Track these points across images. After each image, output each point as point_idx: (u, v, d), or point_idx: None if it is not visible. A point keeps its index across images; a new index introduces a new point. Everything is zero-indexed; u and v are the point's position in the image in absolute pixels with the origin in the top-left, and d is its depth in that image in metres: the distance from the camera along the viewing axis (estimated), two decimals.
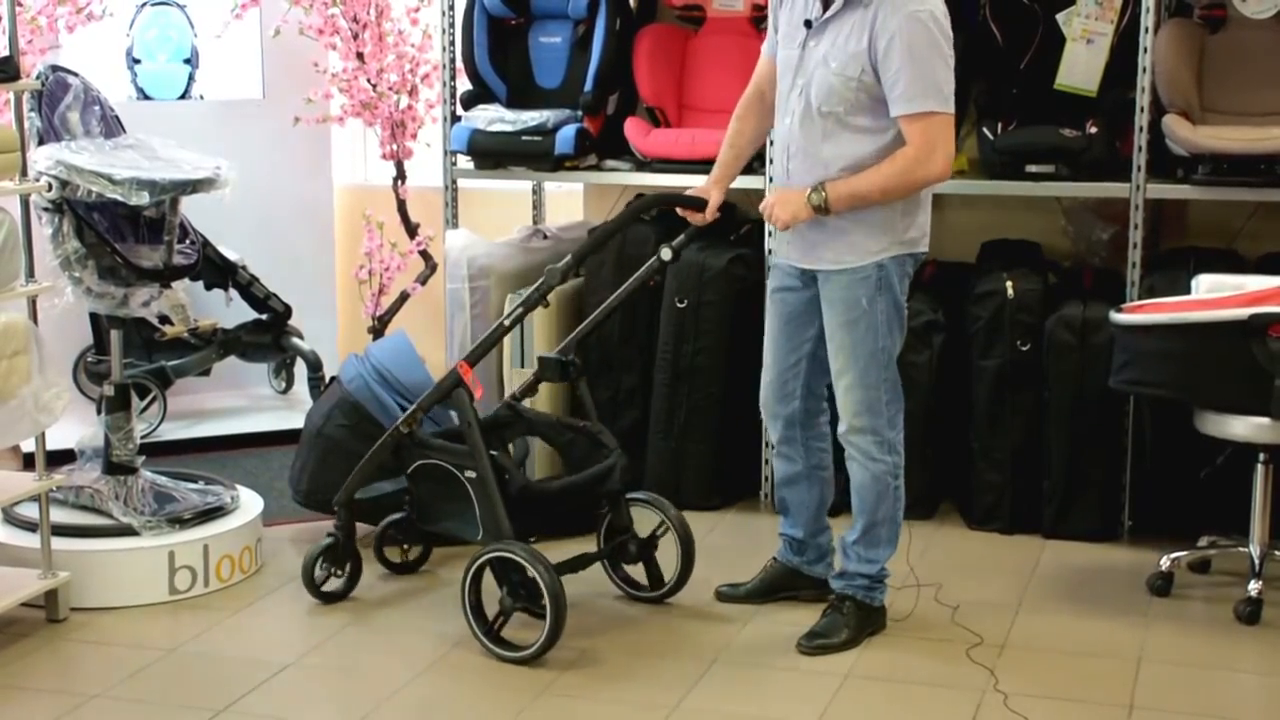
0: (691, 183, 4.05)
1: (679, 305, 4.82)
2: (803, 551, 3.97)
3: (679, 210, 3.99)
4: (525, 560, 3.62)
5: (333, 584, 4.09)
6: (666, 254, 3.98)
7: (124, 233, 4.17)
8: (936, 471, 4.77)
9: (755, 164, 4.40)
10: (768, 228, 4.33)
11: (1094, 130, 4.55)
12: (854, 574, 3.78)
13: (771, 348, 3.86)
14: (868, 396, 3.66)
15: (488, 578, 3.72)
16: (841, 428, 3.71)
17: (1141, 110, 4.50)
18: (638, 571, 4.10)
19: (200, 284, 5.28)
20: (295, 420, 5.05)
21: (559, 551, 3.95)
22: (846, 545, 3.79)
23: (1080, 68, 4.71)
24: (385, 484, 4.16)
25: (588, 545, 4.11)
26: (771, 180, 3.75)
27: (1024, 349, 4.58)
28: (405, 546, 4.27)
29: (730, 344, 4.82)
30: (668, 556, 4.05)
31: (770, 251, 4.04)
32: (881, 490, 3.71)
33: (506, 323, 3.85)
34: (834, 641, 3.71)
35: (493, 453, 3.75)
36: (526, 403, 4.24)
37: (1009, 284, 4.58)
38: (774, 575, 4.02)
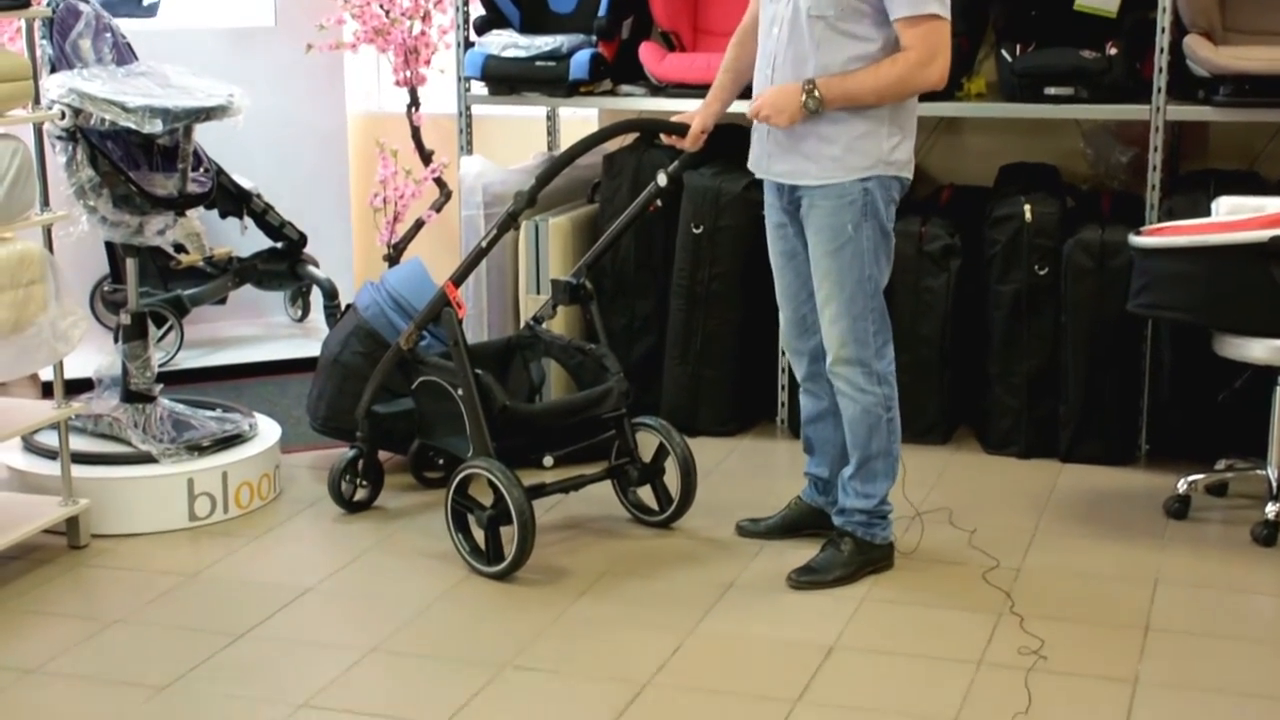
0: None
1: (694, 231, 4.80)
2: (828, 491, 3.93)
3: (663, 136, 3.96)
4: (497, 478, 3.68)
5: (358, 495, 4.19)
6: (663, 179, 3.97)
7: (138, 161, 4.15)
8: (953, 396, 4.76)
9: None
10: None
11: (1114, 51, 4.49)
12: (852, 510, 3.75)
13: (781, 284, 3.83)
14: (854, 327, 3.62)
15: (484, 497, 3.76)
16: (828, 360, 3.67)
17: (1162, 31, 4.45)
18: (649, 497, 4.11)
19: (215, 212, 5.26)
20: (311, 348, 5.06)
21: (567, 474, 3.97)
22: (844, 481, 3.77)
23: None
24: (407, 400, 4.20)
25: (598, 468, 4.12)
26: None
27: (1041, 273, 4.55)
28: (440, 461, 4.34)
29: (746, 269, 4.80)
30: (676, 480, 4.06)
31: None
32: (873, 423, 3.68)
33: (484, 244, 3.90)
34: (825, 578, 3.69)
35: (479, 371, 3.77)
36: (545, 325, 4.25)
37: (1027, 208, 4.55)
38: (797, 514, 4.00)
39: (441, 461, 4.35)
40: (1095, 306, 4.49)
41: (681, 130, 3.89)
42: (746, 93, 3.96)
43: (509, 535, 3.72)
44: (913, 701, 3.16)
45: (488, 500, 3.75)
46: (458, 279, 3.88)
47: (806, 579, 3.71)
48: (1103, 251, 4.46)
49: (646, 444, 4.09)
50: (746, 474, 4.57)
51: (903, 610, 3.60)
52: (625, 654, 3.37)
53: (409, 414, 4.17)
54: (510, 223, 3.85)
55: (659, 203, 4.03)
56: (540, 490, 3.83)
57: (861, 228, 3.57)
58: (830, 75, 3.51)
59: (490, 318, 5.10)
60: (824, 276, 3.62)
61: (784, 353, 4.79)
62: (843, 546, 3.75)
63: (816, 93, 3.50)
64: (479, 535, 3.78)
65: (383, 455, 4.30)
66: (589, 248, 4.21)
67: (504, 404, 3.78)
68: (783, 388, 4.91)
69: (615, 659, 3.34)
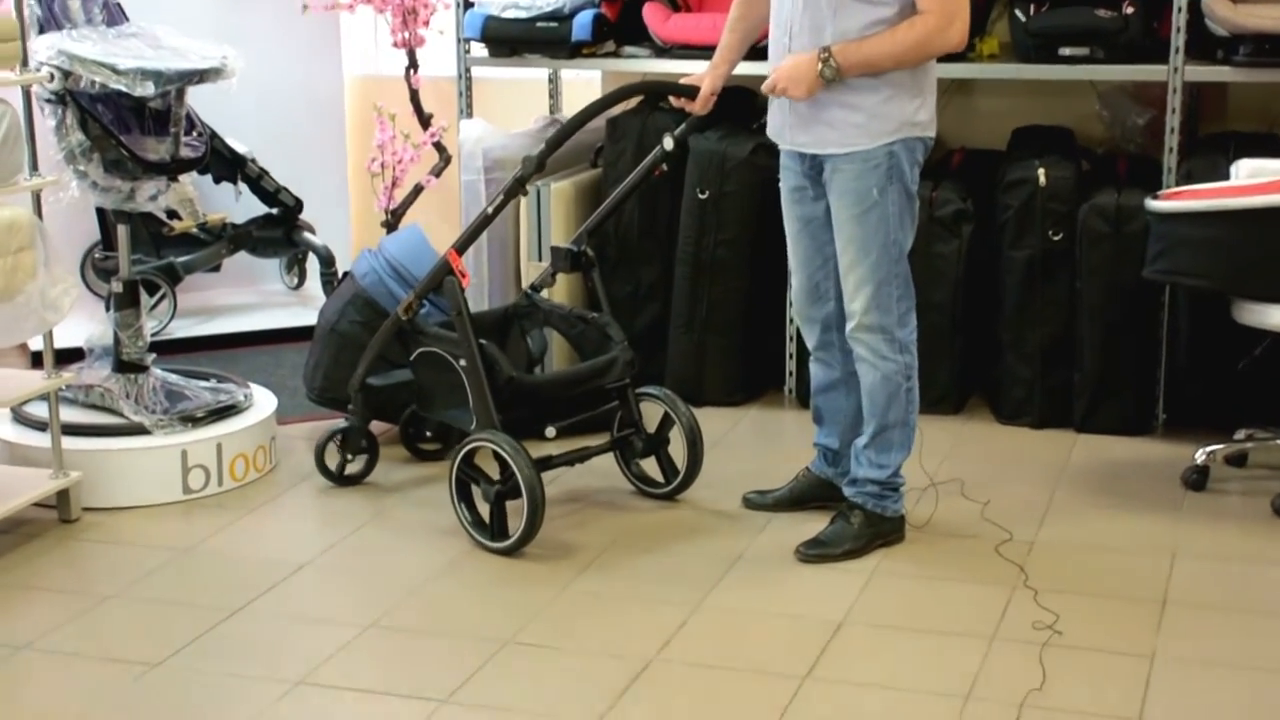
0: None
1: (700, 196, 4.76)
2: (838, 463, 3.91)
3: (672, 100, 3.93)
4: (505, 451, 3.65)
5: (350, 469, 4.17)
6: (669, 143, 3.94)
7: (129, 124, 4.12)
8: (965, 365, 4.74)
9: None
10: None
11: (1130, 10, 4.45)
12: (864, 480, 3.73)
13: (795, 250, 3.80)
14: (878, 293, 3.60)
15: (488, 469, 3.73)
16: (849, 325, 3.65)
17: None
18: (653, 469, 4.09)
19: (208, 177, 5.25)
20: (308, 317, 5.04)
21: (572, 447, 3.95)
22: (858, 450, 3.75)
23: None
24: (404, 371, 4.18)
25: (602, 440, 4.10)
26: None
27: (1056, 239, 4.52)
28: (429, 433, 4.32)
29: (753, 236, 4.78)
30: (682, 452, 4.04)
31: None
32: (892, 392, 3.66)
33: (489, 211, 3.86)
34: (834, 551, 3.68)
35: (482, 342, 3.75)
36: (545, 294, 4.22)
37: (1040, 171, 4.52)
38: (805, 486, 3.98)
39: (429, 434, 4.33)
40: (1111, 273, 4.46)
41: (691, 93, 3.86)
42: (755, 53, 3.92)
43: (515, 509, 3.70)
44: (924, 678, 3.14)
45: (493, 473, 3.72)
46: (461, 246, 3.86)
47: (815, 552, 3.69)
48: (1119, 216, 4.42)
49: (650, 415, 4.07)
50: (753, 445, 4.55)
51: (914, 584, 3.58)
52: (629, 629, 3.35)
53: (406, 386, 4.15)
54: (518, 189, 3.82)
55: (664, 167, 4.00)
56: (546, 463, 3.81)
57: (887, 191, 3.54)
58: (846, 42, 3.47)
59: (491, 286, 5.07)
60: (848, 242, 3.60)
61: (792, 320, 4.77)
62: (852, 519, 3.73)
63: (833, 61, 3.46)
64: (483, 509, 3.76)
65: (379, 427, 4.28)
66: (592, 213, 4.18)
67: (510, 375, 3.75)
68: (791, 356, 4.88)
69: (619, 634, 3.33)
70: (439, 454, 4.34)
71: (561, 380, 4.00)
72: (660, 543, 3.83)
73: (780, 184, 3.79)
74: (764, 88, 3.60)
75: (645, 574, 3.64)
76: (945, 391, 4.71)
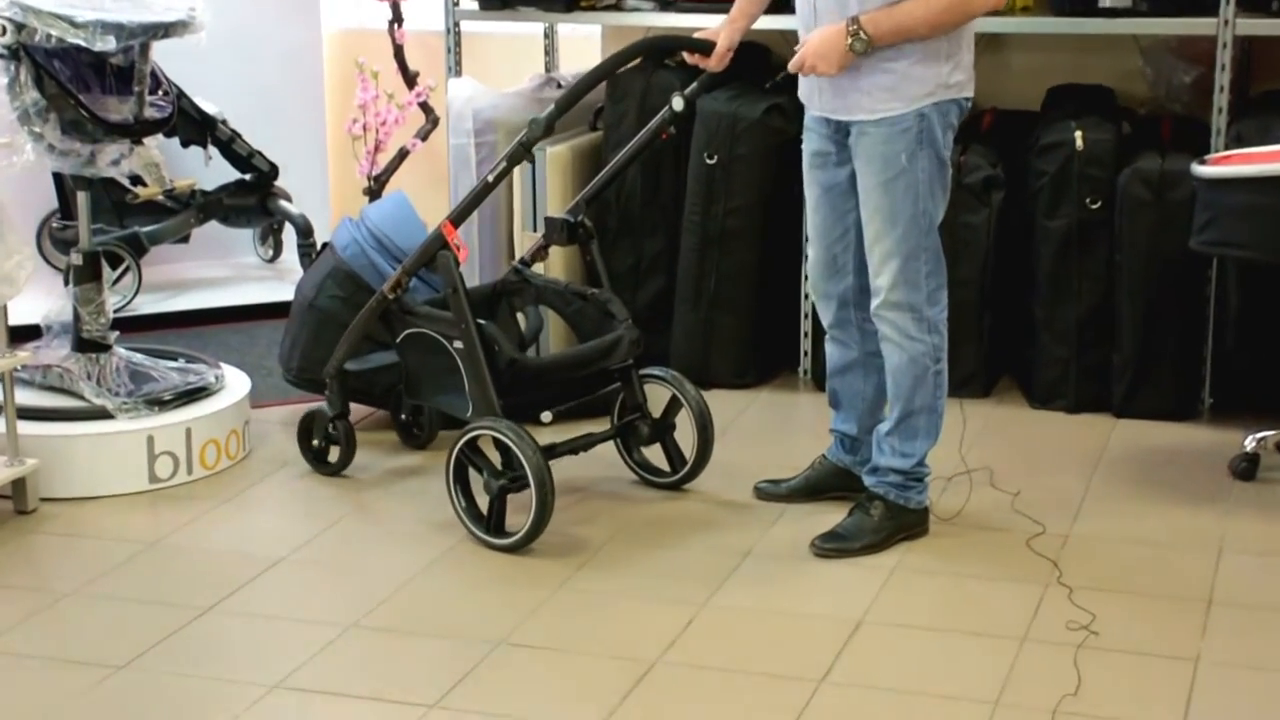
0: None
1: (708, 161, 4.75)
2: (856, 450, 3.91)
3: (686, 56, 3.92)
4: (510, 439, 3.63)
5: (330, 458, 4.18)
6: (678, 104, 3.92)
7: (89, 82, 4.11)
8: (994, 345, 4.74)
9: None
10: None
11: None
12: (886, 469, 3.73)
13: (814, 220, 3.80)
14: (906, 267, 3.59)
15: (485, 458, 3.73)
16: (875, 302, 3.65)
17: None
18: (658, 457, 4.09)
19: (175, 140, 5.24)
20: (284, 292, 5.04)
21: (571, 433, 3.94)
22: (880, 437, 3.75)
23: None
24: (385, 355, 4.17)
25: (604, 427, 4.10)
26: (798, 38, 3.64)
27: (1094, 207, 4.51)
28: (405, 416, 4.33)
29: (765, 204, 4.77)
30: (689, 438, 4.04)
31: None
32: (919, 374, 3.66)
33: (490, 179, 3.84)
34: (852, 546, 3.68)
35: (481, 321, 3.74)
36: (538, 269, 4.22)
37: (1078, 134, 4.51)
38: (821, 474, 3.98)
39: (405, 417, 4.32)
40: (1153, 244, 4.45)
41: (706, 48, 3.84)
42: (775, 5, 3.91)
43: (518, 504, 3.68)
44: (949, 682, 3.14)
45: (495, 462, 3.72)
46: (457, 218, 3.84)
47: (832, 546, 3.69)
48: (1162, 182, 4.42)
49: (655, 398, 4.06)
50: (765, 431, 4.55)
51: (938, 581, 3.58)
52: (631, 630, 3.35)
53: (387, 369, 4.14)
54: (523, 154, 3.80)
55: (672, 130, 3.98)
56: (550, 452, 3.79)
57: (916, 157, 3.54)
58: (876, 9, 3.46)
59: (480, 259, 5.07)
60: (874, 211, 3.59)
61: (808, 296, 4.77)
62: (873, 511, 3.72)
63: (862, 33, 3.46)
64: (482, 501, 3.75)
65: (363, 411, 4.28)
66: (591, 180, 4.16)
67: (512, 358, 3.74)
68: (806, 335, 4.88)
69: (620, 635, 3.33)
70: (419, 442, 4.34)
71: (566, 362, 3.97)
72: (664, 536, 3.82)
73: (803, 147, 3.78)
74: (791, 65, 3.60)
75: (648, 570, 3.65)
76: (973, 373, 4.71)
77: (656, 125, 3.98)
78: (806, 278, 4.69)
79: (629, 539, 3.81)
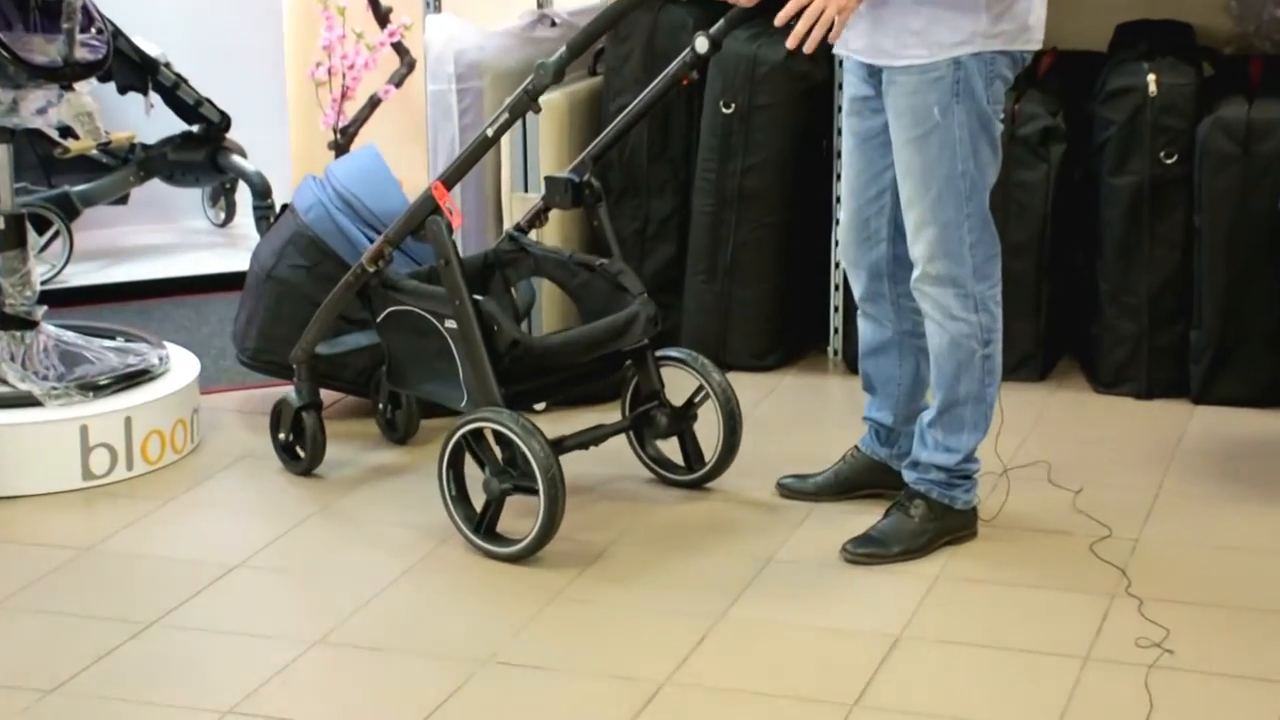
0: None
1: (724, 111, 4.76)
2: (892, 441, 3.92)
3: None
4: (514, 432, 3.64)
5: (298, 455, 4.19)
6: (702, 44, 3.91)
7: (10, 19, 4.12)
8: (1053, 321, 4.75)
9: None
10: None
11: None
12: (928, 465, 3.74)
13: (847, 175, 3.81)
14: (944, 236, 3.60)
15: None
16: (914, 275, 3.66)
17: None
18: (672, 450, 4.10)
19: (112, 86, 5.24)
20: (238, 260, 5.05)
21: (574, 424, 3.96)
22: (922, 428, 3.76)
23: None
24: (359, 336, 4.18)
25: (612, 416, 4.11)
26: None
27: (1169, 162, 4.53)
28: (380, 403, 4.33)
29: (790, 160, 4.78)
30: (709, 430, 4.05)
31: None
32: (963, 359, 3.66)
33: (490, 133, 3.83)
34: (889, 551, 3.69)
35: (478, 297, 3.74)
36: (534, 236, 4.22)
37: (1151, 78, 4.52)
38: (853, 469, 3.99)
39: (381, 404, 4.33)
40: (1238, 204, 4.46)
41: None
42: None
43: (517, 507, 3.70)
44: (1000, 708, 3.15)
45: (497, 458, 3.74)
46: (449, 179, 3.83)
47: (866, 552, 3.71)
48: (1249, 134, 4.43)
49: (674, 384, 4.06)
50: (790, 419, 4.56)
51: (987, 592, 3.60)
52: (637, 647, 3.37)
53: (364, 351, 4.15)
54: (528, 104, 3.80)
55: (694, 75, 3.97)
56: (558, 446, 3.79)
57: (951, 111, 3.53)
58: None
59: (466, 222, 5.07)
60: (906, 171, 3.61)
61: (838, 265, 4.78)
62: (913, 511, 3.74)
63: None
64: (477, 498, 3.76)
65: (332, 397, 4.30)
66: (593, 133, 4.17)
67: (514, 339, 3.75)
68: (836, 310, 4.89)
69: (624, 653, 3.35)
70: (397, 436, 4.36)
71: (577, 343, 3.93)
72: (674, 540, 3.84)
73: (844, 90, 3.78)
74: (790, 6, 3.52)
75: (656, 578, 3.66)
76: (1029, 353, 4.72)
77: (676, 70, 3.94)
78: (837, 244, 4.71)
79: (634, 543, 3.82)
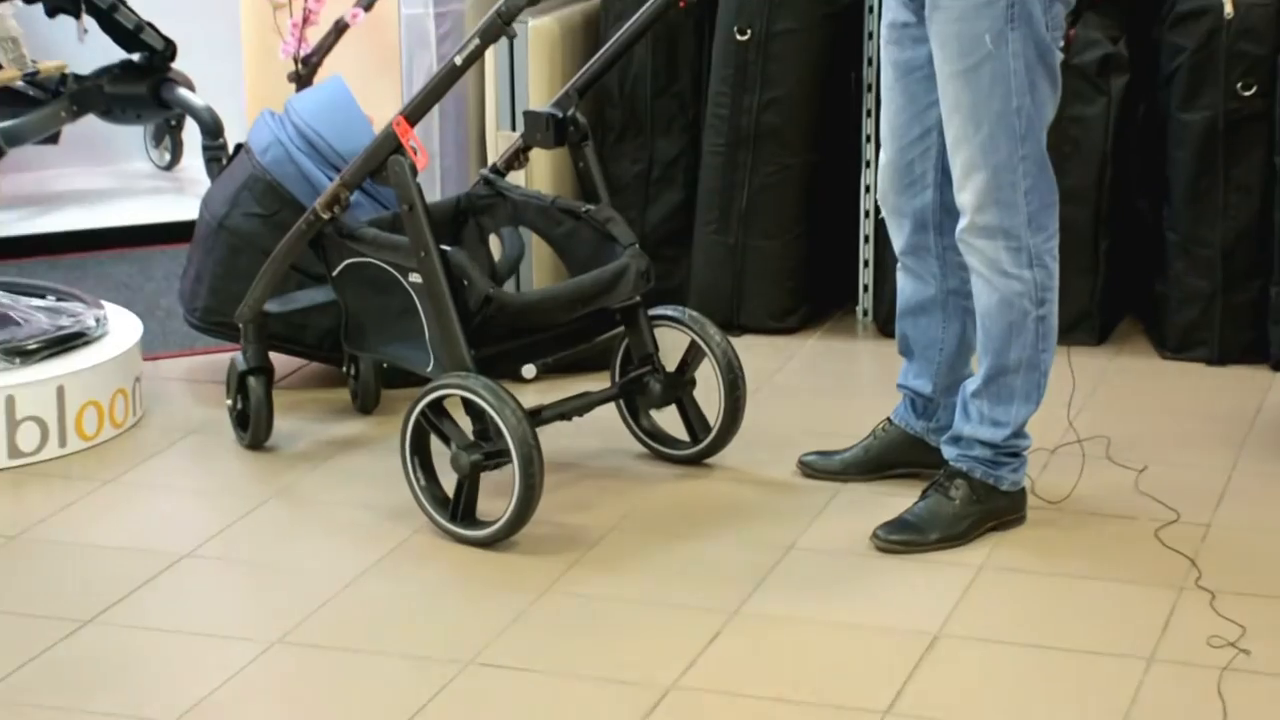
0: None
1: (739, 38, 4.76)
2: (930, 413, 3.93)
3: None
4: (483, 398, 3.65)
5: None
6: None
7: None
8: (1113, 277, 4.75)
9: None
10: None
11: None
12: (972, 439, 3.74)
13: (888, 112, 3.80)
14: (995, 182, 3.59)
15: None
16: (960, 225, 3.66)
17: None
18: (673, 423, 4.11)
19: (39, 7, 5.22)
20: (186, 208, 5.05)
21: (559, 392, 3.96)
22: (966, 398, 3.76)
23: None
24: (317, 292, 4.18)
25: (602, 383, 4.12)
26: None
27: (1247, 94, 4.53)
28: (352, 371, 4.35)
29: (813, 94, 4.79)
30: (712, 398, 4.05)
31: None
32: (1015, 320, 3.66)
33: (458, 62, 3.83)
34: (926, 538, 3.70)
35: (446, 248, 3.74)
36: (515, 179, 4.21)
37: None
38: (885, 445, 4.00)
39: (352, 371, 4.36)
40: None
41: None
42: None
43: (495, 485, 3.70)
44: (1054, 713, 3.16)
45: (467, 432, 3.74)
46: (412, 113, 3.83)
47: (900, 539, 3.71)
48: None
49: (670, 346, 4.07)
50: (814, 388, 4.57)
51: (1038, 584, 3.60)
52: (639, 647, 3.37)
53: (326, 308, 4.15)
54: (500, 30, 3.80)
55: None
56: (537, 417, 3.81)
57: (1006, 39, 3.53)
58: None
59: (444, 166, 5.07)
60: (953, 108, 3.60)
61: (869, 214, 4.77)
62: (953, 492, 3.74)
63: None
64: (448, 481, 3.77)
65: (293, 363, 4.30)
66: (586, 63, 4.16)
67: (488, 293, 3.75)
68: (866, 264, 4.89)
69: (625, 653, 3.35)
70: (357, 406, 4.39)
71: (557, 300, 3.95)
72: (681, 525, 3.85)
73: (883, 13, 3.79)
74: None
75: (660, 569, 3.66)
76: (1086, 313, 4.72)
77: None
78: (868, 190, 4.70)
79: (635, 529, 3.83)
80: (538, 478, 3.65)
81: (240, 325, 4.12)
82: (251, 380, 4.13)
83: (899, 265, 3.90)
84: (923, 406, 3.95)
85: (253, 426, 4.16)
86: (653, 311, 4.06)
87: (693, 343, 4.07)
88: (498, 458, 3.68)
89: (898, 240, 3.86)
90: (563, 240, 4.11)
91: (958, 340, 3.86)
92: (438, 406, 3.74)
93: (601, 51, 4.11)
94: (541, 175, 4.71)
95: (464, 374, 3.71)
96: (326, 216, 3.93)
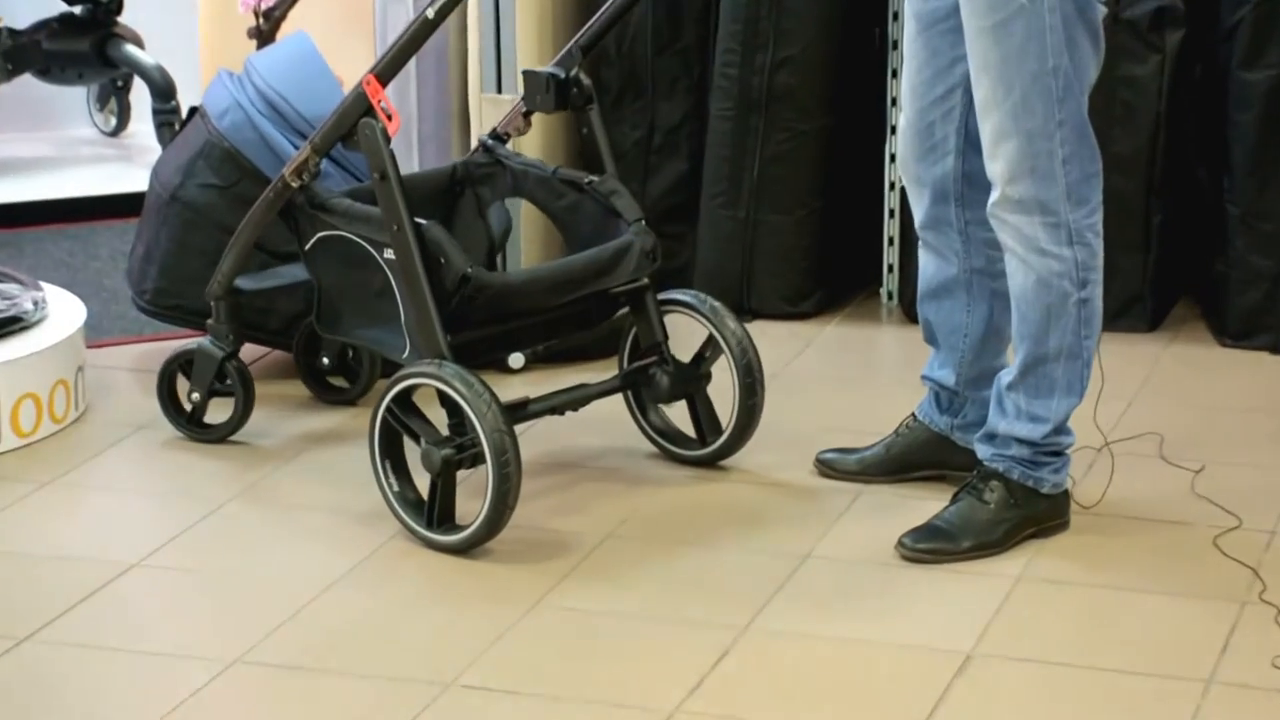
0: None
1: None
2: (956, 409, 3.93)
3: None
4: (455, 389, 3.65)
5: (212, 417, 4.19)
6: None
7: None
8: (1166, 256, 4.75)
9: None
10: None
11: None
12: (1008, 437, 3.74)
13: (908, 69, 3.81)
14: (1029, 150, 3.59)
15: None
16: (992, 197, 3.65)
17: None
18: (681, 417, 4.11)
19: None
20: (135, 178, 5.05)
21: (554, 383, 3.96)
22: (1001, 391, 3.75)
23: None
24: (291, 269, 4.18)
25: (606, 373, 4.12)
26: None
27: None
28: (326, 360, 4.37)
29: (832, 52, 4.79)
30: (726, 394, 4.06)
31: None
32: (1054, 304, 3.66)
33: (430, 14, 3.83)
34: (958, 546, 3.70)
35: (422, 221, 3.74)
36: (514, 147, 4.23)
37: None
38: (909, 443, 4.01)
39: (328, 361, 4.37)
40: None
41: None
42: None
43: (474, 486, 3.71)
44: None
45: (439, 425, 3.74)
46: (383, 72, 3.84)
47: (928, 547, 3.72)
48: None
49: (682, 335, 4.07)
50: (832, 379, 4.58)
51: (1082, 597, 3.61)
52: (639, 666, 3.37)
53: (294, 289, 4.15)
54: None
55: None
56: (521, 410, 3.81)
57: None
58: None
59: (422, 132, 5.07)
60: (981, 67, 3.59)
61: (894, 186, 4.77)
62: (988, 495, 3.74)
63: None
64: (421, 481, 3.77)
65: (255, 352, 4.30)
66: (580, 21, 4.17)
67: (465, 272, 3.75)
68: (891, 241, 4.89)
69: (622, 675, 3.35)
70: (349, 395, 4.38)
71: (550, 280, 3.95)
72: (686, 532, 3.85)
73: None
74: None
75: (663, 581, 3.67)
76: (1136, 296, 4.72)
77: None
78: (893, 159, 4.70)
79: (634, 536, 3.83)
80: (513, 470, 3.64)
81: (212, 303, 4.11)
82: (231, 366, 4.12)
83: (919, 242, 3.89)
84: (947, 400, 3.94)
85: (235, 413, 4.16)
86: (663, 296, 4.05)
87: (710, 334, 4.06)
88: (470, 454, 3.68)
89: (918, 213, 3.86)
90: (564, 214, 4.11)
91: (984, 325, 3.86)
92: (405, 399, 3.74)
93: (608, 4, 4.09)
94: (531, 142, 4.69)
95: (436, 362, 3.71)
96: (295, 185, 3.93)
